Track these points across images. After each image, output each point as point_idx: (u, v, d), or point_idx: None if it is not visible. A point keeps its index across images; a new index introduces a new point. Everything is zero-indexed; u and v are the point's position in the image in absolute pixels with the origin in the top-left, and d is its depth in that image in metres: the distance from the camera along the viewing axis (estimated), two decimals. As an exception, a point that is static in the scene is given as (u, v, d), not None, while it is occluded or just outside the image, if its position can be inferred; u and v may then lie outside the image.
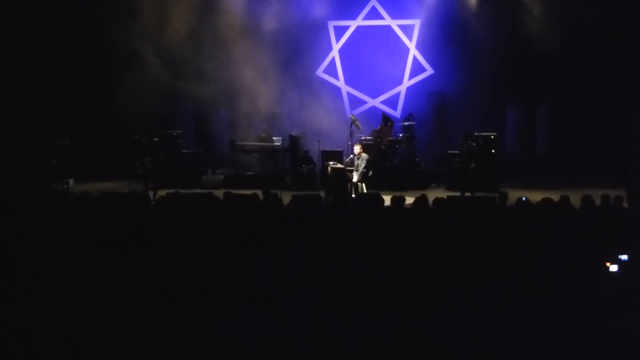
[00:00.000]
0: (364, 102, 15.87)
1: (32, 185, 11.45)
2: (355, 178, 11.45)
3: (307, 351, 4.63)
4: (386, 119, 13.99)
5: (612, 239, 6.05)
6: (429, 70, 15.55)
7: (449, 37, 14.71)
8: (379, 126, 13.90)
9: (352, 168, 11.64)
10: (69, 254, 6.03)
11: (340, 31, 15.82)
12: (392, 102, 15.82)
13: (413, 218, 7.11)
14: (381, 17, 15.67)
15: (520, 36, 14.19)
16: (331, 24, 15.75)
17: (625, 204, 7.63)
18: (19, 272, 5.76)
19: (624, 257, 5.57)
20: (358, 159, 11.55)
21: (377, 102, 15.79)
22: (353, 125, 13.42)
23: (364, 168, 11.39)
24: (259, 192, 8.47)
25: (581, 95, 14.28)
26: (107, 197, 8.19)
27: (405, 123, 14.01)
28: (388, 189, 10.80)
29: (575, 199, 7.49)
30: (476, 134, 12.79)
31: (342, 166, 11.79)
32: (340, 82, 15.94)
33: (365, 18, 15.70)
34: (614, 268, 5.53)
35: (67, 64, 14.22)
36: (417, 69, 15.68)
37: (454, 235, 6.30)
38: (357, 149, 11.73)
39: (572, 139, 14.46)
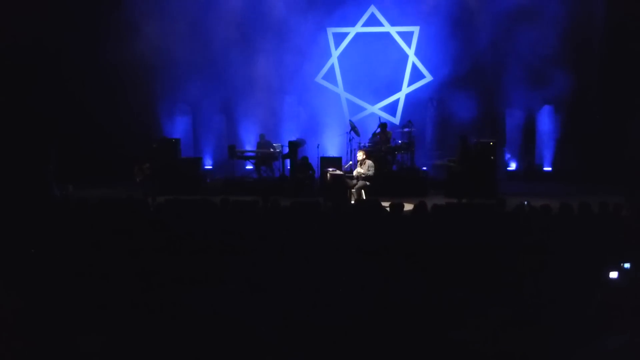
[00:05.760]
0: (363, 109, 15.90)
1: (31, 192, 11.41)
2: (357, 179, 11.39)
3: (306, 353, 4.63)
4: (382, 125, 13.91)
5: (612, 246, 6.04)
6: (428, 77, 15.58)
7: (448, 44, 14.74)
8: (378, 133, 13.89)
9: (352, 175, 11.62)
10: (67, 260, 6.02)
11: (339, 38, 15.86)
12: (391, 108, 15.86)
13: (411, 224, 7.10)
14: (380, 24, 15.71)
15: (519, 43, 14.23)
16: (330, 31, 15.79)
17: (625, 212, 7.62)
18: (17, 278, 5.75)
19: (627, 265, 5.56)
20: (362, 164, 11.48)
21: (376, 109, 15.81)
22: (352, 132, 13.45)
23: (371, 172, 11.34)
24: (258, 199, 8.46)
25: (581, 102, 14.34)
26: (105, 203, 8.16)
27: (405, 129, 14.02)
28: (387, 196, 10.79)
29: (575, 206, 7.48)
30: (475, 140, 12.82)
31: (341, 173, 11.78)
32: (340, 89, 15.97)
33: (365, 25, 15.75)
34: (614, 275, 5.52)
35: (67, 67, 14.24)
36: (416, 75, 15.72)
37: (453, 241, 6.29)
38: (360, 155, 11.66)
39: (573, 146, 14.49)
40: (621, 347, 4.47)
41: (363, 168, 11.42)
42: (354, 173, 11.44)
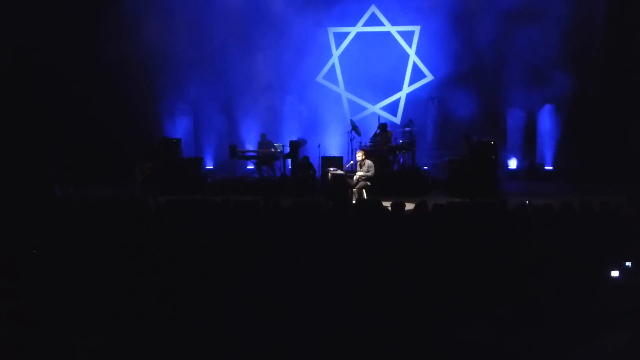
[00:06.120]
0: (364, 108, 15.90)
1: (33, 192, 11.42)
2: (358, 181, 11.40)
3: (306, 354, 4.63)
4: (382, 126, 13.89)
5: (613, 245, 6.04)
6: (429, 76, 15.57)
7: (449, 43, 14.73)
8: (378, 133, 13.86)
9: (353, 174, 11.62)
10: (68, 260, 6.02)
11: (340, 37, 15.86)
12: (392, 108, 15.85)
13: (413, 224, 7.10)
14: (381, 24, 15.71)
15: (520, 42, 14.22)
16: (331, 31, 15.79)
17: (626, 211, 7.62)
18: (19, 278, 5.76)
19: (628, 263, 5.57)
20: (362, 165, 11.50)
21: (377, 108, 15.81)
22: (353, 131, 13.44)
23: (370, 172, 11.35)
24: (260, 198, 8.46)
25: (583, 101, 14.32)
26: (106, 203, 8.17)
27: (406, 129, 14.01)
28: (388, 195, 10.79)
29: (576, 205, 7.48)
30: (476, 139, 12.81)
31: (342, 172, 11.79)
32: (340, 88, 15.97)
33: (365, 24, 15.74)
34: (615, 274, 5.52)
35: (67, 67, 14.25)
36: (417, 75, 15.71)
37: (454, 240, 6.29)
38: (359, 155, 11.67)
39: (574, 146, 14.48)
40: (622, 346, 4.47)
41: (363, 169, 11.43)
42: (355, 177, 11.46)
